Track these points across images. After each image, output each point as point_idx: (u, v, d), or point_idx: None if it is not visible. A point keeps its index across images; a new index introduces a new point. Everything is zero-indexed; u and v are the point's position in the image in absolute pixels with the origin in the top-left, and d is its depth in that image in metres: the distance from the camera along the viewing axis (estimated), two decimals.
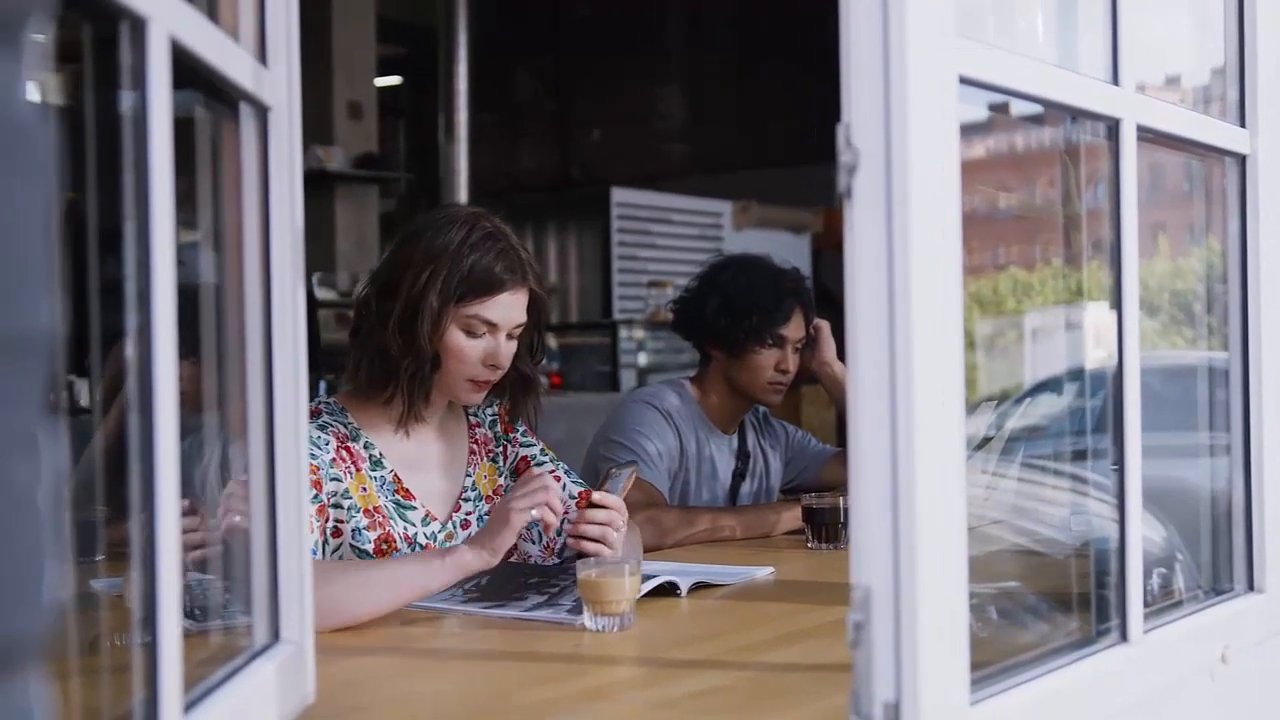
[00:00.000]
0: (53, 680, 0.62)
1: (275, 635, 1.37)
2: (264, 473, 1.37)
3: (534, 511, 1.98)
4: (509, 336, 2.23)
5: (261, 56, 1.35)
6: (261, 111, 1.34)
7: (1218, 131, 1.78)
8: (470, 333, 2.19)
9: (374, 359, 2.20)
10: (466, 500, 2.33)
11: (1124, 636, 1.51)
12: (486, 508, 2.33)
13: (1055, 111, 1.59)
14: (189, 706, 1.09)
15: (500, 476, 2.39)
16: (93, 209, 1.05)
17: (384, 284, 2.21)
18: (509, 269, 2.19)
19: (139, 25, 0.99)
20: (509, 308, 2.21)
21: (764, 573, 2.34)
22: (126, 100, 1.02)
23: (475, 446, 2.38)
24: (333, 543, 2.13)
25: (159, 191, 1.02)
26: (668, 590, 2.10)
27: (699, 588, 2.17)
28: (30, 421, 0.58)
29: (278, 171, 1.36)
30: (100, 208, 1.05)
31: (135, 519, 1.02)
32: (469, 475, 2.34)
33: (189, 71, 1.11)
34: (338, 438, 2.17)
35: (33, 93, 0.60)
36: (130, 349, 1.02)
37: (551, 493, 2.01)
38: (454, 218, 2.21)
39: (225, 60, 1.20)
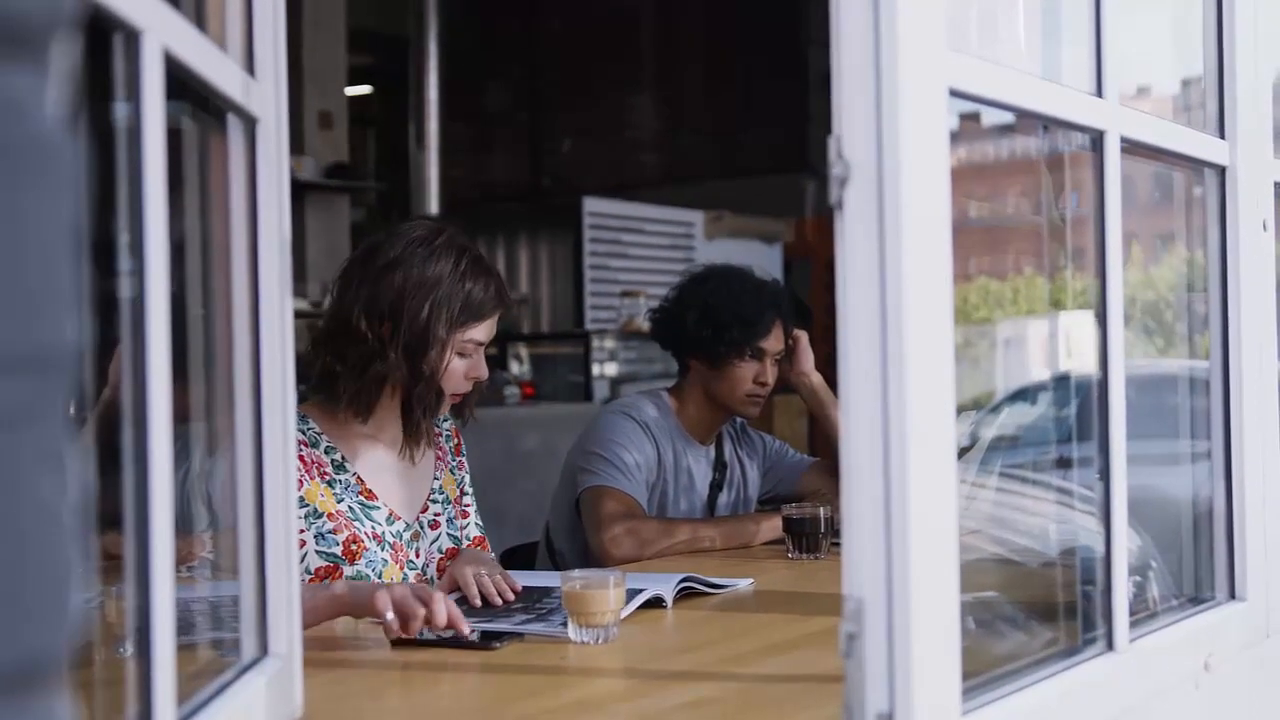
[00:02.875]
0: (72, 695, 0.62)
1: (264, 649, 1.36)
2: (251, 486, 1.36)
3: (389, 616, 1.81)
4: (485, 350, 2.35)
5: (250, 68, 1.34)
6: (250, 123, 1.34)
7: (1198, 143, 1.79)
8: (462, 354, 2.29)
9: (375, 385, 2.25)
10: (435, 501, 2.41)
11: (1110, 645, 1.52)
12: (453, 511, 2.43)
13: (1029, 121, 1.60)
14: None
15: (457, 487, 2.48)
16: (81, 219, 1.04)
17: (378, 312, 2.23)
18: (498, 293, 2.32)
19: (133, 37, 0.99)
20: (493, 326, 2.34)
21: (745, 584, 2.35)
22: (119, 111, 1.01)
23: (440, 453, 2.46)
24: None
25: (152, 201, 1.01)
26: (653, 602, 2.10)
27: (685, 595, 2.17)
28: (56, 437, 0.58)
29: (266, 183, 1.36)
30: (90, 218, 1.04)
31: (128, 533, 1.01)
32: (436, 478, 2.43)
33: (178, 82, 1.11)
34: None
35: (58, 107, 0.60)
36: (123, 360, 1.01)
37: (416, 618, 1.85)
38: (433, 244, 2.28)
39: (215, 71, 1.20)
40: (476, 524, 2.52)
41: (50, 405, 0.57)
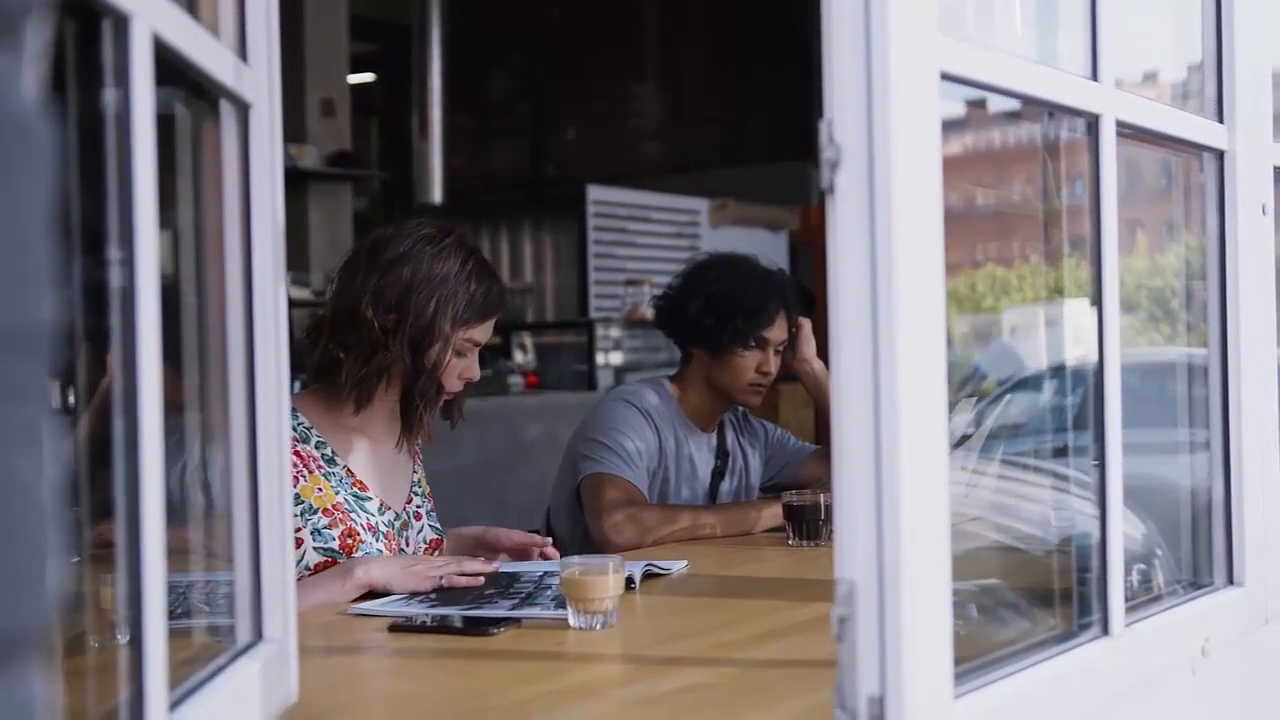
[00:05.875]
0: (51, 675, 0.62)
1: (258, 634, 1.36)
2: (245, 473, 1.36)
3: (443, 581, 2.13)
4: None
5: (242, 53, 1.34)
6: (242, 109, 1.34)
7: (1196, 127, 1.79)
8: (459, 353, 2.33)
9: (376, 375, 2.29)
10: (416, 494, 2.46)
11: (1105, 630, 1.52)
12: (430, 505, 2.49)
13: (1033, 108, 1.60)
14: (173, 705, 1.09)
15: (427, 483, 2.53)
16: (72, 207, 1.04)
17: (384, 304, 2.27)
18: (500, 296, 2.37)
19: (122, 22, 0.99)
20: (490, 328, 2.39)
21: (679, 565, 2.38)
22: (108, 97, 1.01)
23: (417, 450, 2.50)
24: (294, 554, 2.18)
25: (142, 189, 1.01)
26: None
27: (649, 577, 2.23)
28: (34, 415, 0.58)
29: (259, 169, 1.36)
30: (80, 206, 1.04)
31: (119, 519, 1.02)
32: (416, 472, 2.48)
33: (169, 68, 1.11)
34: None
35: (32, 90, 0.60)
36: (111, 349, 1.02)
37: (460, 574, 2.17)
38: (442, 243, 2.31)
39: (207, 57, 1.20)
40: (433, 526, 2.52)
41: (27, 384, 0.58)
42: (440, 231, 2.34)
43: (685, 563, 2.40)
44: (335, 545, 2.23)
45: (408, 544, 2.37)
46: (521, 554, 2.43)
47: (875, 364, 1.16)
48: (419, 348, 2.27)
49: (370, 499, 2.33)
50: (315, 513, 2.24)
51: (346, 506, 2.27)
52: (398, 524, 2.37)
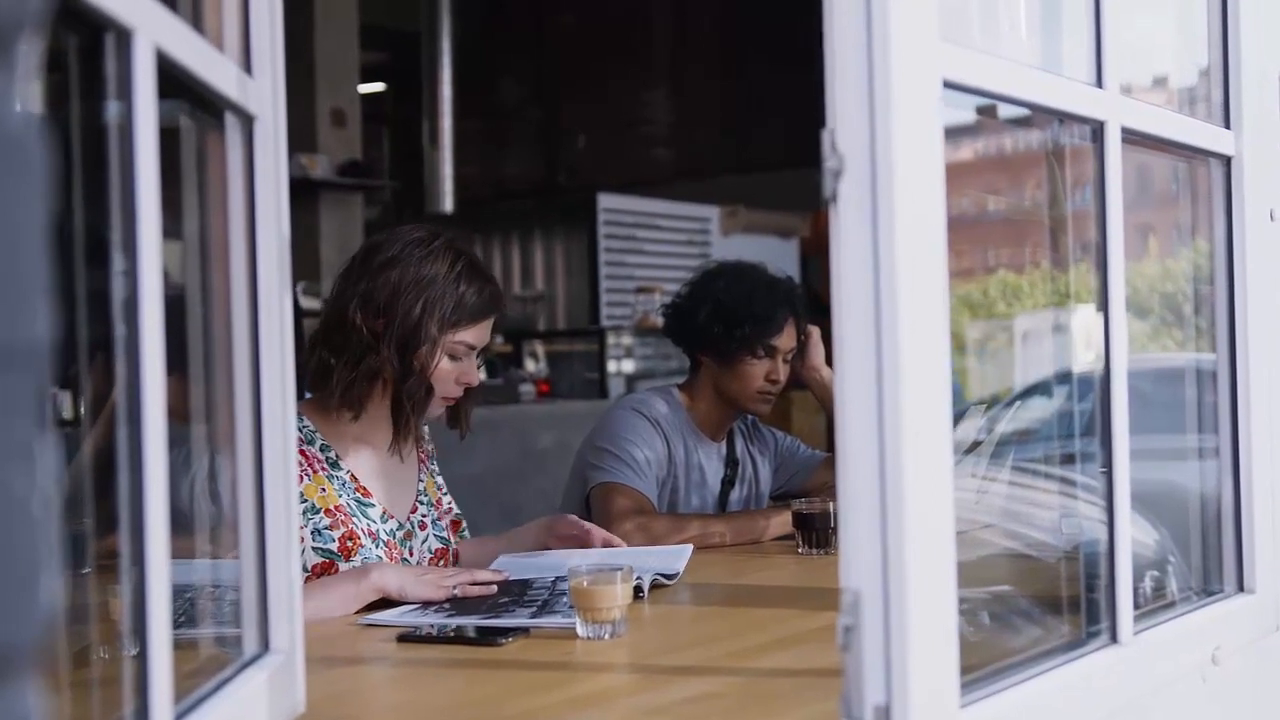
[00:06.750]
0: (48, 690, 0.62)
1: (265, 645, 1.36)
2: (251, 484, 1.37)
3: (456, 591, 2.12)
4: (479, 356, 2.38)
5: (246, 66, 1.34)
6: (247, 121, 1.34)
7: (1202, 133, 1.79)
8: (453, 356, 2.32)
9: (366, 379, 2.29)
10: (422, 503, 2.45)
11: (1114, 638, 1.51)
12: (436, 514, 2.48)
13: (1041, 114, 1.60)
14: (179, 717, 1.09)
15: (438, 490, 2.52)
16: (76, 219, 1.04)
17: (373, 307, 2.28)
18: (493, 297, 2.35)
19: (124, 36, 0.99)
20: (487, 331, 2.37)
21: (685, 551, 2.41)
22: (111, 110, 1.02)
23: (423, 457, 2.50)
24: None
25: (145, 201, 1.01)
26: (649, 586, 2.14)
27: (656, 587, 2.22)
28: (27, 431, 0.58)
29: (263, 181, 1.36)
30: (83, 218, 1.04)
31: (123, 529, 1.02)
32: (420, 481, 2.47)
33: (173, 81, 1.11)
34: None
35: (26, 103, 0.60)
36: (117, 361, 1.02)
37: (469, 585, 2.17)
38: (431, 246, 2.32)
39: (210, 70, 1.20)
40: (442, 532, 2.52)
41: (20, 399, 0.58)
42: (430, 235, 2.34)
43: (690, 547, 2.42)
44: (334, 547, 2.24)
45: (411, 554, 2.37)
46: (581, 542, 2.46)
47: (879, 372, 1.16)
48: (406, 350, 2.27)
49: (373, 506, 2.33)
50: (318, 512, 2.24)
51: (348, 510, 2.28)
52: (400, 533, 2.36)
